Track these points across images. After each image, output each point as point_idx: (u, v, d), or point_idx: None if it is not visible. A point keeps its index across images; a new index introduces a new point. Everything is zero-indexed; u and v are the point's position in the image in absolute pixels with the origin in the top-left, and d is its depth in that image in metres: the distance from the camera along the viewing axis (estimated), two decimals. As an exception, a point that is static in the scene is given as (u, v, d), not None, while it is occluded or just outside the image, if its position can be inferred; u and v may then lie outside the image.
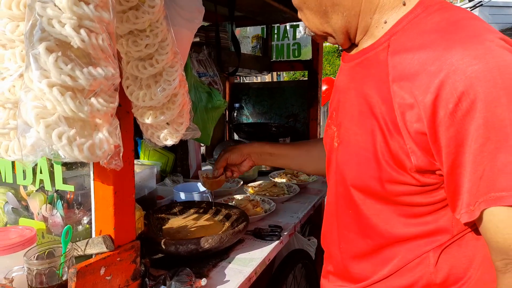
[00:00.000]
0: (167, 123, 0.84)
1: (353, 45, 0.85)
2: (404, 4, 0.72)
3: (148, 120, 0.81)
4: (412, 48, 0.66)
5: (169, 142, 0.85)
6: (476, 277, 0.73)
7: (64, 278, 0.83)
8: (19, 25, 0.62)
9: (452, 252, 0.73)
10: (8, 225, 1.07)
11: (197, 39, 1.75)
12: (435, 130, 0.62)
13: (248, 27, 3.09)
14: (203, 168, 2.17)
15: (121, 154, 0.62)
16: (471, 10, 13.36)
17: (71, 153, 0.52)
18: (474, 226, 0.70)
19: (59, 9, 0.52)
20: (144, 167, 1.51)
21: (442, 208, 0.72)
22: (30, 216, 1.03)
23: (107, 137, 0.57)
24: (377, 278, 0.81)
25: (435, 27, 0.66)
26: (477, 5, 12.25)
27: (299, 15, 0.87)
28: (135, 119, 0.85)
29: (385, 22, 0.74)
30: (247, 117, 2.73)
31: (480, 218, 0.63)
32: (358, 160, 0.77)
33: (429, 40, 0.65)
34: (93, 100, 0.55)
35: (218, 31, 1.69)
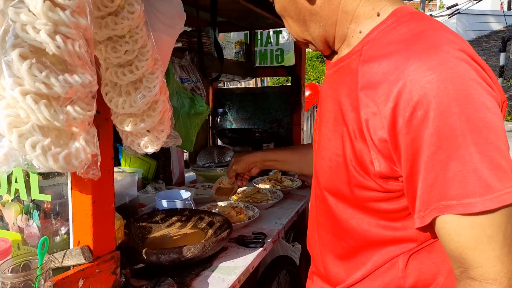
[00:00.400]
0: (148, 131, 0.82)
1: (334, 52, 0.86)
2: (378, 15, 0.74)
3: (128, 128, 0.79)
4: (378, 57, 0.69)
5: (150, 149, 0.83)
6: (444, 283, 0.74)
7: (40, 292, 0.80)
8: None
9: (421, 258, 0.74)
10: (-19, 237, 1.03)
11: (180, 45, 1.73)
12: (395, 138, 0.64)
13: (231, 33, 3.09)
14: (186, 175, 2.15)
15: (98, 164, 0.60)
16: (449, 17, 13.73)
17: (46, 163, 0.50)
18: None
19: (34, 14, 0.50)
20: (125, 174, 1.48)
21: (409, 215, 0.73)
22: (5, 226, 0.99)
23: (84, 146, 0.56)
24: (351, 281, 0.82)
25: (400, 38, 0.68)
26: (455, 12, 12.61)
27: (284, 22, 0.89)
28: (114, 125, 0.83)
29: (360, 32, 0.77)
30: (231, 122, 2.72)
31: (433, 226, 0.65)
32: (330, 165, 0.80)
33: (392, 50, 0.67)
34: (69, 108, 0.53)
35: (201, 36, 1.68)
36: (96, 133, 0.60)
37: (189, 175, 2.24)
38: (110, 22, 0.69)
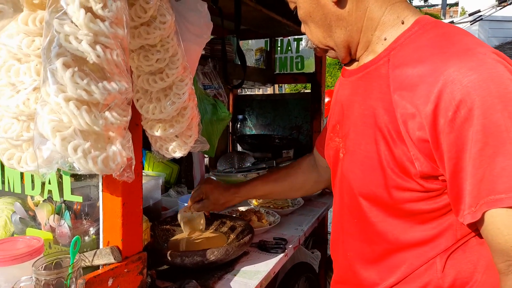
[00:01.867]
0: (176, 136, 0.85)
1: (352, 60, 0.89)
2: (403, 23, 0.78)
3: (157, 133, 0.82)
4: (411, 61, 0.71)
5: (178, 154, 0.86)
6: (481, 280, 0.75)
7: (71, 289, 0.83)
8: (34, 40, 0.63)
9: (457, 258, 0.76)
10: (15, 235, 1.07)
11: (203, 52, 1.77)
12: (437, 137, 0.66)
13: (250, 40, 3.13)
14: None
15: (133, 167, 0.63)
16: (471, 24, 13.48)
17: (86, 165, 0.53)
18: (477, 231, 0.73)
19: (76, 26, 0.54)
20: (149, 178, 1.52)
21: (446, 214, 0.75)
22: (38, 226, 1.04)
23: (120, 150, 0.58)
24: (387, 285, 0.83)
25: (431, 43, 0.71)
26: (477, 19, 12.37)
27: (303, 28, 0.91)
28: (143, 131, 0.86)
29: (385, 39, 0.79)
30: (251, 128, 2.75)
31: (481, 221, 0.66)
32: (364, 169, 0.81)
33: (426, 54, 0.70)
34: (107, 114, 0.56)
35: (225, 44, 1.71)
36: (130, 138, 0.62)
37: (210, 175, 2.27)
38: (143, 32, 0.73)
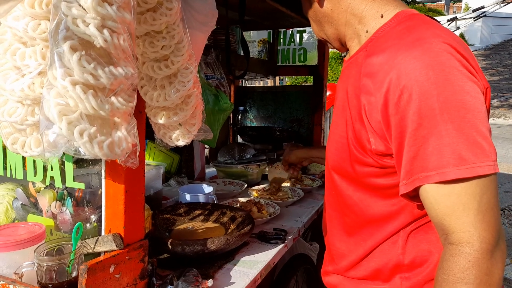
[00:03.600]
0: (180, 124, 0.85)
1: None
2: (382, 16, 0.85)
3: (161, 120, 0.81)
4: (378, 51, 0.79)
5: (181, 142, 0.85)
6: (437, 259, 0.78)
7: (73, 275, 0.83)
8: (40, 24, 0.63)
9: (418, 237, 0.83)
10: (16, 221, 1.07)
11: (206, 42, 1.76)
12: (387, 119, 0.74)
13: (251, 31, 3.11)
14: (207, 171, 2.18)
15: (138, 153, 0.62)
16: (475, 20, 13.41)
17: (92, 150, 0.53)
18: None
19: (84, 9, 0.53)
20: (150, 167, 1.51)
21: None
22: (39, 213, 1.04)
23: (125, 136, 0.58)
24: (353, 258, 0.92)
25: (395, 34, 0.79)
26: (481, 15, 12.31)
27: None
28: (147, 118, 0.86)
29: (367, 32, 0.88)
30: (251, 120, 2.75)
31: (419, 197, 0.73)
32: (337, 146, 0.91)
33: (389, 44, 0.77)
34: (113, 99, 0.56)
35: (229, 34, 1.70)
36: (135, 124, 0.62)
37: (209, 171, 2.27)
38: (149, 18, 0.72)
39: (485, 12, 11.61)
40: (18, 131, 0.68)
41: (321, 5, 0.91)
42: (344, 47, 0.96)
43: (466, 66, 0.70)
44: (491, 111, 9.34)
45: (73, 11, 0.52)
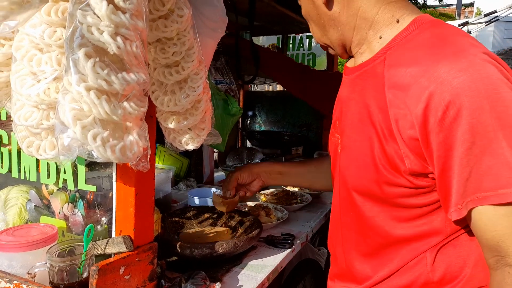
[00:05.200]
0: (189, 128, 0.86)
1: (352, 57, 0.91)
2: (398, 22, 0.79)
3: (171, 125, 0.83)
4: (405, 62, 0.73)
5: (190, 146, 0.87)
6: (470, 275, 0.77)
7: (84, 276, 0.85)
8: (56, 31, 0.65)
9: (447, 252, 0.78)
10: (29, 223, 1.10)
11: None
12: (427, 136, 0.68)
13: (261, 37, 3.13)
14: (216, 175, 2.19)
15: (148, 157, 0.64)
16: (487, 24, 13.28)
17: (104, 153, 0.54)
18: (467, 227, 0.74)
19: (98, 17, 0.55)
20: (160, 171, 1.53)
21: (436, 209, 0.76)
22: (51, 214, 1.06)
23: (137, 140, 0.60)
24: (379, 277, 0.85)
25: (425, 43, 0.73)
26: (493, 20, 12.20)
27: (309, 25, 0.94)
28: (157, 123, 0.88)
29: (380, 37, 0.81)
30: (260, 125, 2.76)
31: (470, 218, 0.68)
32: (358, 165, 0.83)
33: (420, 54, 0.71)
34: (125, 104, 0.58)
35: (238, 40, 1.72)
36: (147, 128, 0.64)
37: (218, 175, 2.29)
38: (161, 25, 0.74)
39: (497, 16, 11.50)
40: (33, 134, 0.70)
41: (329, 7, 0.83)
42: (346, 54, 0.91)
43: (508, 78, 0.67)
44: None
45: (88, 19, 0.54)
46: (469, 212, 0.67)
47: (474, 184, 0.65)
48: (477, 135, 0.63)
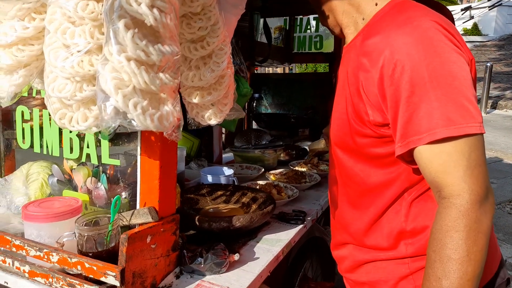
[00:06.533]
0: (212, 104, 0.88)
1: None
2: (376, 5, 0.93)
3: (195, 100, 0.85)
4: (373, 33, 0.87)
5: (213, 121, 0.89)
6: None
7: (111, 245, 0.88)
8: (88, 4, 0.66)
9: (419, 206, 0.90)
10: (52, 197, 1.13)
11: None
12: (383, 91, 0.81)
13: (267, 18, 3.11)
14: (224, 156, 2.22)
15: (181, 128, 0.66)
16: (490, 9, 13.14)
17: (144, 122, 0.57)
18: None
19: (136, -11, 0.56)
20: (173, 149, 1.56)
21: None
22: (74, 188, 1.09)
23: (172, 110, 0.62)
24: (361, 227, 0.99)
25: (388, 17, 0.87)
26: (496, 4, 12.07)
27: None
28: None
29: (363, 19, 0.96)
30: (266, 107, 2.77)
31: (414, 159, 0.79)
32: (338, 123, 0.99)
33: (382, 26, 0.86)
34: (161, 75, 0.60)
35: (252, 21, 1.73)
36: (179, 100, 0.66)
37: (226, 156, 2.31)
38: (187, 0, 0.75)
39: (500, 1, 11.37)
40: (66, 106, 0.72)
41: None
42: (343, 34, 1.04)
43: (451, 40, 0.78)
44: (503, 102, 9.22)
45: (127, -10, 0.56)
46: (413, 153, 0.78)
47: (412, 127, 0.76)
48: (416, 86, 0.75)
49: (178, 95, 0.66)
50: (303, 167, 2.02)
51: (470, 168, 0.73)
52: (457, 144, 0.73)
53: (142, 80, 0.56)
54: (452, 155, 0.74)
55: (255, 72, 2.84)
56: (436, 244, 0.75)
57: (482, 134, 0.75)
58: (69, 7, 0.66)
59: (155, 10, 0.58)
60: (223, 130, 2.27)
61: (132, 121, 0.57)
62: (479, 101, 8.88)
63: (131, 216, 0.91)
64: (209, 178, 1.51)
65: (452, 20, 1.55)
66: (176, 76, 0.64)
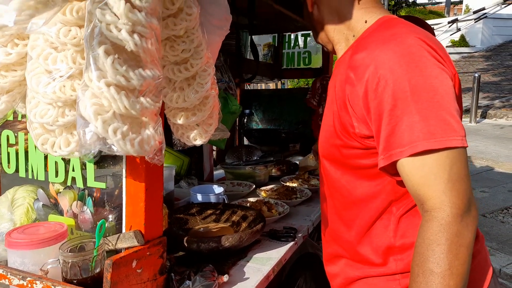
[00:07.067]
0: (197, 124, 0.88)
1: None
2: (366, 22, 0.97)
3: (180, 121, 0.85)
4: (360, 48, 0.89)
5: (198, 142, 0.89)
6: None
7: (96, 271, 0.86)
8: (71, 30, 0.67)
9: (407, 222, 0.90)
10: (37, 222, 1.11)
11: (214, 46, 1.80)
12: (367, 104, 0.83)
13: (256, 36, 3.15)
14: (215, 173, 2.21)
15: (163, 151, 0.66)
16: (476, 22, 13.44)
17: (124, 147, 0.56)
18: None
19: (116, 15, 0.57)
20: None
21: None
22: (59, 213, 1.07)
23: (153, 134, 0.62)
24: (349, 240, 0.99)
25: (375, 34, 0.90)
26: (481, 17, 12.36)
27: None
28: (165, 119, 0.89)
29: (353, 36, 0.99)
30: (257, 123, 2.78)
31: (398, 171, 0.80)
32: (326, 135, 1.01)
33: (368, 41, 0.88)
34: (142, 99, 0.60)
35: (239, 39, 1.74)
36: (161, 123, 0.66)
37: (217, 173, 2.31)
38: (170, 23, 0.76)
39: (486, 13, 11.65)
40: (48, 131, 0.71)
41: (313, 12, 1.04)
42: (335, 50, 1.08)
43: (434, 56, 0.80)
44: (492, 112, 9.35)
45: (107, 17, 0.56)
46: (396, 166, 0.79)
47: (395, 140, 0.77)
48: (398, 100, 0.77)
49: (160, 118, 0.66)
50: (294, 183, 2.02)
51: (451, 181, 0.74)
52: (438, 157, 0.74)
53: (122, 105, 0.56)
54: (433, 168, 0.74)
55: (246, 88, 2.85)
56: (419, 257, 0.75)
57: (464, 147, 0.75)
58: (52, 33, 0.66)
59: (135, 36, 0.58)
60: (214, 147, 2.27)
61: (112, 146, 0.56)
62: (468, 111, 9.01)
63: (116, 240, 0.89)
64: (199, 197, 1.50)
65: (433, 34, 1.59)
66: (157, 99, 0.64)
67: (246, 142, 2.65)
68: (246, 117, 2.73)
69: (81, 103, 0.56)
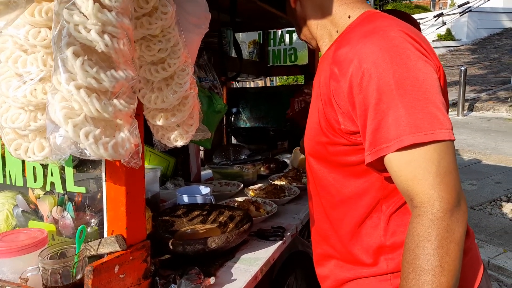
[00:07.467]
0: (178, 125, 0.87)
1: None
2: (349, 17, 0.96)
3: (159, 122, 0.83)
4: (344, 43, 0.88)
5: (179, 143, 0.87)
6: None
7: (78, 277, 0.84)
8: (40, 31, 0.64)
9: (397, 220, 0.89)
10: (17, 228, 1.08)
11: (197, 45, 1.78)
12: (352, 99, 0.81)
13: (241, 33, 3.13)
14: (202, 173, 2.19)
15: (140, 154, 0.64)
16: (461, 15, 13.59)
17: (97, 151, 0.54)
18: None
19: (85, 15, 0.55)
20: (147, 170, 1.53)
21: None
22: (40, 219, 1.05)
23: (128, 137, 0.60)
24: (338, 239, 0.97)
25: (357, 28, 0.89)
26: (466, 10, 12.49)
27: None
28: (145, 121, 0.88)
29: (337, 31, 0.98)
30: (245, 121, 2.77)
31: (385, 167, 0.78)
32: (311, 133, 0.99)
33: (351, 36, 0.87)
34: (115, 101, 0.58)
35: (221, 37, 1.72)
36: (137, 125, 0.64)
37: (204, 173, 2.28)
38: (145, 22, 0.74)
39: (470, 7, 11.77)
40: (21, 136, 0.69)
41: (295, 8, 1.03)
42: (319, 47, 1.06)
43: (418, 48, 0.79)
44: (479, 104, 9.47)
45: (74, 18, 0.54)
46: (383, 161, 0.77)
47: (381, 135, 0.75)
48: (383, 94, 0.75)
49: (136, 121, 0.64)
50: (283, 181, 2.01)
51: (440, 175, 0.72)
52: (425, 151, 0.72)
53: (93, 108, 0.54)
54: (421, 163, 0.72)
55: (232, 86, 2.83)
56: (409, 254, 0.73)
57: (451, 140, 0.74)
58: (20, 35, 0.64)
59: (106, 36, 0.57)
60: (201, 147, 2.25)
61: (85, 151, 0.54)
62: (456, 104, 9.11)
63: (98, 246, 0.87)
64: (185, 198, 1.48)
65: (418, 28, 1.59)
66: (132, 101, 0.63)
67: (234, 141, 2.63)
68: (233, 116, 2.71)
69: (51, 106, 0.54)
